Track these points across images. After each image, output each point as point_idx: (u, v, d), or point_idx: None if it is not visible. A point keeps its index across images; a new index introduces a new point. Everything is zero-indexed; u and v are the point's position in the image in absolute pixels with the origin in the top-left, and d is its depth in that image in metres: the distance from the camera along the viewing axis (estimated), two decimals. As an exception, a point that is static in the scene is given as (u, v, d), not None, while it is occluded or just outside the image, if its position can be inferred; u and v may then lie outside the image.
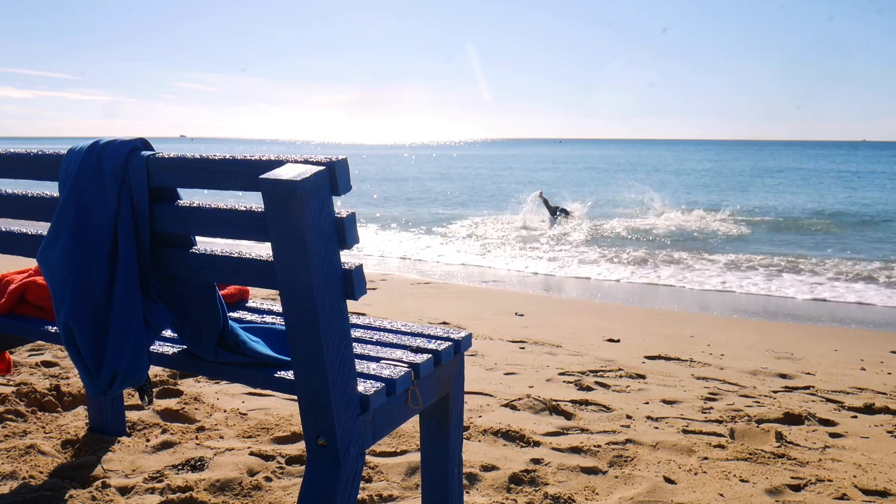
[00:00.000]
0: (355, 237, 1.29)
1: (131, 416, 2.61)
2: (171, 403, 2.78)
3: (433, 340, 1.75)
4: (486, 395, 3.17)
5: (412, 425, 2.54)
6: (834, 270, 9.33)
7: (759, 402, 3.24)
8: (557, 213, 15.00)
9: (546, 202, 15.23)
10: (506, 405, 3.01)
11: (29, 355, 3.45)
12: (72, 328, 1.43)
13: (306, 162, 1.25)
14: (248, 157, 1.32)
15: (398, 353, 1.65)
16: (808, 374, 3.98)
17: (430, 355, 1.65)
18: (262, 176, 1.20)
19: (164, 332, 1.73)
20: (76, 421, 2.57)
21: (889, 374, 4.11)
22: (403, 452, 2.40)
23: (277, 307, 2.04)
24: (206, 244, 1.52)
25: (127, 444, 2.38)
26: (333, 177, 1.23)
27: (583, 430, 2.73)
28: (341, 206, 1.27)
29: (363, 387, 1.43)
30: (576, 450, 2.50)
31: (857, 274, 9.08)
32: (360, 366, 1.56)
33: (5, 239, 1.71)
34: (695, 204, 18.99)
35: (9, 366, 2.20)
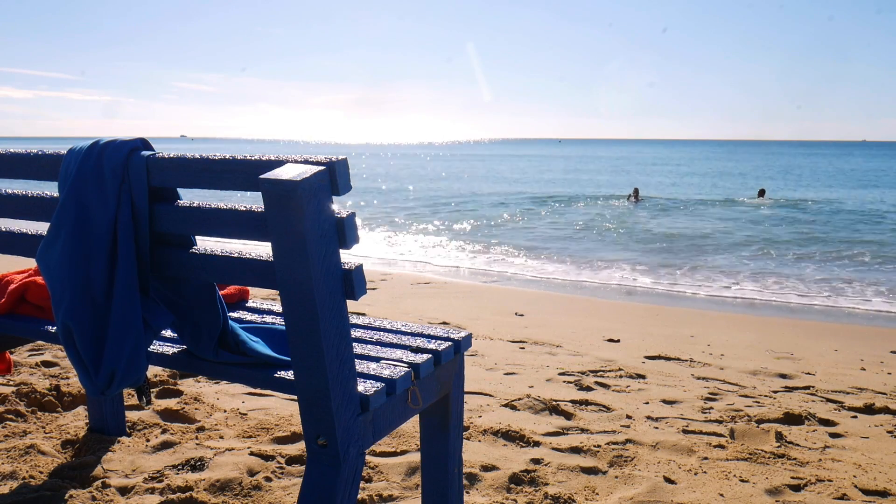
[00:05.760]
0: (355, 237, 1.29)
1: (131, 416, 2.61)
2: (171, 403, 2.77)
3: (433, 340, 1.75)
4: (486, 395, 3.17)
5: (412, 425, 2.54)
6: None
7: (759, 402, 3.24)
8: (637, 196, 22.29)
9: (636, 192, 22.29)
10: (506, 405, 3.01)
11: (29, 355, 3.45)
12: (70, 328, 1.43)
13: (306, 162, 1.25)
14: (248, 157, 1.32)
15: (398, 353, 1.65)
16: (808, 374, 3.98)
17: (430, 355, 1.64)
18: (262, 176, 1.20)
19: (163, 332, 1.73)
20: (76, 421, 2.57)
21: (889, 374, 4.11)
22: (403, 452, 2.40)
23: (277, 307, 2.04)
24: (207, 244, 1.52)
25: (127, 444, 2.38)
26: (333, 177, 1.23)
27: (583, 430, 2.73)
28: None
29: (363, 387, 1.43)
30: (576, 450, 2.50)
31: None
32: (360, 366, 1.55)
33: (5, 239, 1.71)
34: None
35: (9, 366, 2.20)
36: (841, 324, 6.39)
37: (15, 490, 2.01)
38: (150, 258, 1.49)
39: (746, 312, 6.82)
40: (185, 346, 1.63)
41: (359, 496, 2.00)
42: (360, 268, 1.32)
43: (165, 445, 2.38)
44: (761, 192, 22.42)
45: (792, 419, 2.97)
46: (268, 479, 2.15)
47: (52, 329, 1.77)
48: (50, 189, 1.65)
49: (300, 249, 1.20)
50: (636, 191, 22.26)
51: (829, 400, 3.37)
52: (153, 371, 3.14)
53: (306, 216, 1.18)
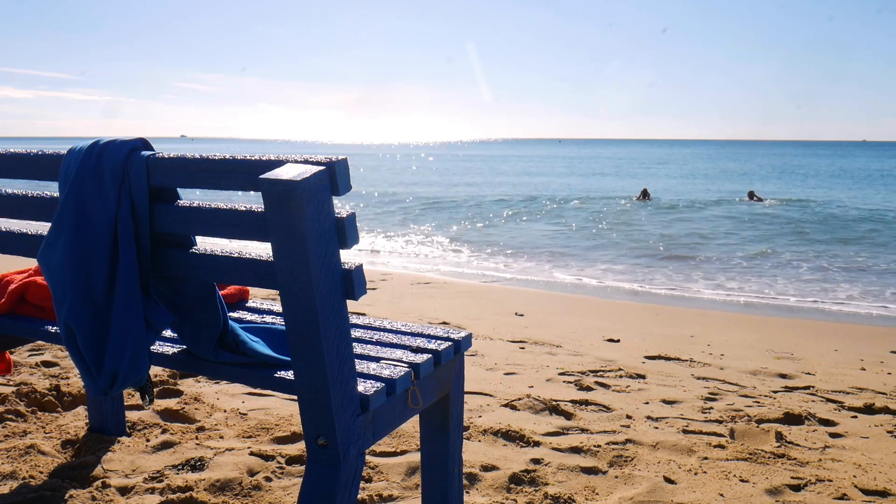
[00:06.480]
0: (355, 237, 1.29)
1: (131, 416, 2.61)
2: (171, 403, 2.78)
3: (433, 340, 1.75)
4: (486, 395, 3.17)
5: (412, 425, 2.54)
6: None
7: (759, 402, 3.24)
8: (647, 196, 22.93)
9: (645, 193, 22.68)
10: (506, 405, 3.01)
11: (29, 355, 3.45)
12: (72, 328, 1.43)
13: (306, 162, 1.25)
14: (248, 157, 1.32)
15: (398, 353, 1.65)
16: (808, 374, 3.98)
17: (430, 355, 1.64)
18: (262, 176, 1.20)
19: (164, 332, 1.73)
20: (76, 421, 2.57)
21: (889, 374, 4.11)
22: (403, 452, 2.40)
23: (277, 307, 2.04)
24: (207, 244, 1.52)
25: (127, 444, 2.38)
26: (333, 177, 1.23)
27: (583, 430, 2.73)
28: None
29: (363, 387, 1.43)
30: (576, 450, 2.50)
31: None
32: (360, 366, 1.56)
33: (5, 239, 1.71)
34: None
35: (9, 366, 2.20)
36: (841, 324, 6.39)
37: (15, 490, 2.01)
38: (151, 258, 1.49)
39: (746, 312, 6.82)
40: (185, 346, 1.64)
41: (359, 496, 2.00)
42: (360, 268, 1.32)
43: (165, 445, 2.38)
44: (751, 195, 22.22)
45: (792, 419, 2.97)
46: (268, 479, 2.15)
47: (53, 329, 1.77)
48: (50, 189, 1.65)
49: (300, 249, 1.20)
50: (645, 191, 22.45)
51: (829, 400, 3.37)
52: (153, 371, 3.14)
53: (306, 216, 1.18)
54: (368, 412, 1.41)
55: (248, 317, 1.94)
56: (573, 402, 3.10)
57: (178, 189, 1.48)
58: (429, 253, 11.38)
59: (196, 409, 2.76)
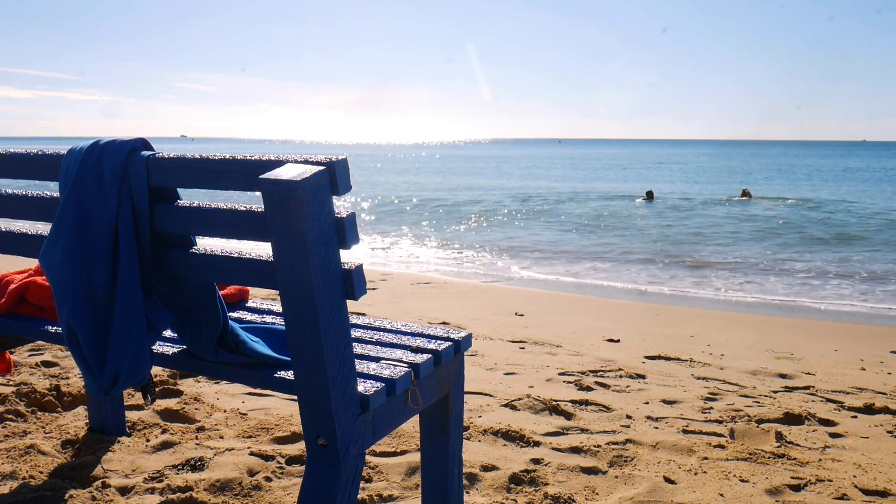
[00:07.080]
0: (355, 237, 1.29)
1: (131, 416, 2.61)
2: (171, 403, 2.78)
3: (433, 340, 1.75)
4: (486, 395, 3.17)
5: (412, 425, 2.54)
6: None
7: (759, 402, 3.24)
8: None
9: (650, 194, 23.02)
10: (506, 405, 3.01)
11: (29, 355, 3.45)
12: (74, 328, 1.43)
13: (306, 162, 1.25)
14: (248, 157, 1.32)
15: (398, 353, 1.65)
16: (808, 374, 3.98)
17: (430, 355, 1.65)
18: (262, 176, 1.20)
19: (164, 331, 1.73)
20: (76, 421, 2.57)
21: (889, 374, 4.11)
22: (403, 452, 2.40)
23: (277, 307, 2.04)
24: (207, 244, 1.52)
25: (127, 444, 2.38)
26: (333, 177, 1.23)
27: (583, 430, 2.73)
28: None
29: (363, 387, 1.43)
30: (576, 450, 2.50)
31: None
32: (360, 366, 1.56)
33: (5, 239, 1.71)
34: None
35: (9, 366, 2.20)
36: (841, 324, 6.39)
37: (15, 490, 2.01)
38: (151, 258, 1.49)
39: (746, 312, 6.82)
40: (185, 346, 1.64)
41: (359, 496, 2.00)
42: (360, 268, 1.32)
43: (165, 445, 2.38)
44: (745, 193, 22.49)
45: (792, 419, 2.97)
46: (268, 479, 2.15)
47: (53, 329, 1.77)
48: (50, 189, 1.65)
49: (300, 249, 1.20)
50: (650, 192, 22.72)
51: (829, 400, 3.37)
52: (153, 371, 3.14)
53: (306, 216, 1.18)
54: (368, 412, 1.41)
55: (248, 317, 1.94)
56: (573, 402, 3.10)
57: (178, 189, 1.48)
58: (429, 253, 11.38)
59: (196, 409, 2.76)
